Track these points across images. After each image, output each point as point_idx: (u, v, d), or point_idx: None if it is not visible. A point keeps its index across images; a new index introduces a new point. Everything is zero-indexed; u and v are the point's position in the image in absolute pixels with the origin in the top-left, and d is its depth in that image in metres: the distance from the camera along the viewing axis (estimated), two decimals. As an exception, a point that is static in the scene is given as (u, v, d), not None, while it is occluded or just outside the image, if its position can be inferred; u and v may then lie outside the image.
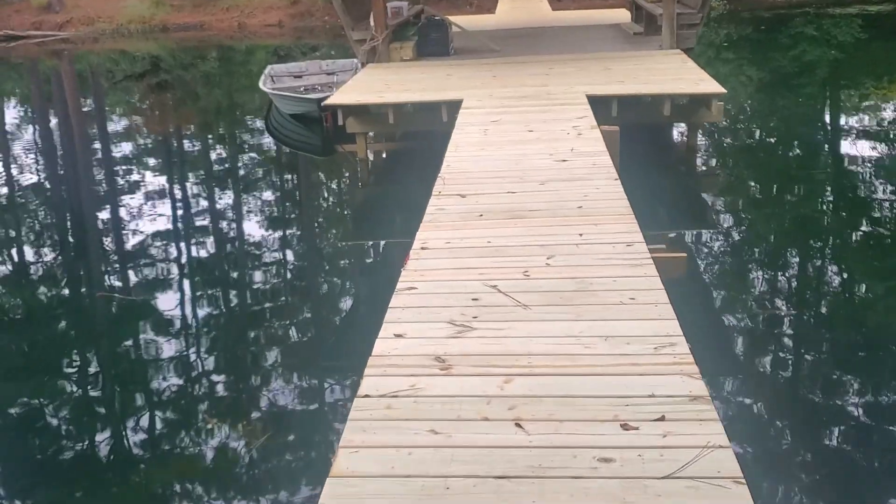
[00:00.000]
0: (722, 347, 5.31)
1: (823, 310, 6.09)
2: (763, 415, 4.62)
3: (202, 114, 15.83)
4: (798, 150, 10.42)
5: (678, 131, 10.39)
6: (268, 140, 12.37)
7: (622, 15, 15.42)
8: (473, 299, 3.60)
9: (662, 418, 2.61)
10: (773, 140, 11.06)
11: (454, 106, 8.51)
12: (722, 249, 7.20)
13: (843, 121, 11.81)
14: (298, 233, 8.57)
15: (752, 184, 9.08)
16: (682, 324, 3.25)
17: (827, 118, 12.38)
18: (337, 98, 8.93)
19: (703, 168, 9.42)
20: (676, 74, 9.24)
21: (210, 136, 13.42)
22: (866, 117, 11.94)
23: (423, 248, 4.30)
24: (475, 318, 3.40)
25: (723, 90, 8.32)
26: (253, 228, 8.65)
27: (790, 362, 5.28)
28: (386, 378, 2.95)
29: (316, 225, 8.87)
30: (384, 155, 10.64)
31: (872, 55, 17.59)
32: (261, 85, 12.87)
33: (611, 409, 2.68)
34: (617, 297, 3.58)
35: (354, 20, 11.38)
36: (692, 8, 10.99)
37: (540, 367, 2.97)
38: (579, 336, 3.19)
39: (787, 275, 6.77)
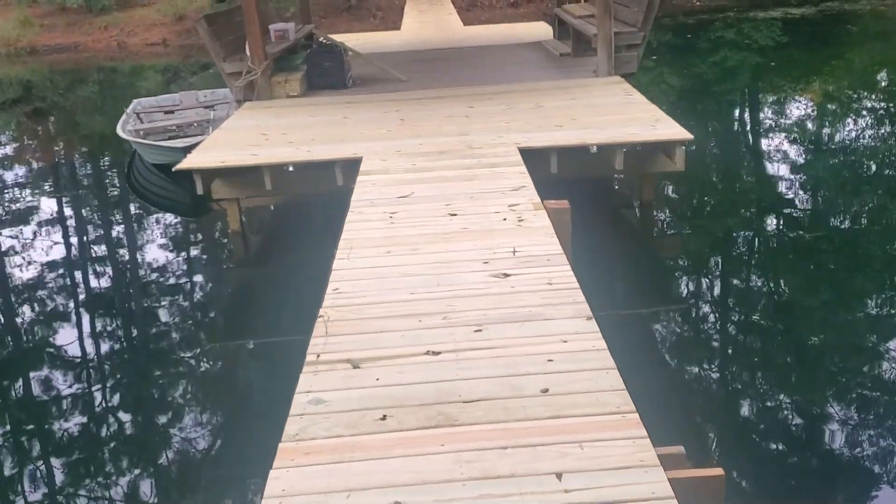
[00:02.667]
0: None
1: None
2: None
3: (74, 146, 13.39)
4: (753, 180, 8.89)
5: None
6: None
7: (542, 30, 13.73)
8: None
9: None
10: (735, 175, 9.44)
11: (351, 166, 6.56)
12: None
13: (782, 135, 10.36)
14: (149, 331, 6.46)
15: (737, 256, 7.26)
16: None
17: (767, 134, 10.93)
18: (195, 159, 6.82)
19: (666, 230, 7.66)
20: (624, 112, 7.50)
21: (68, 188, 10.99)
22: (807, 129, 10.63)
23: (275, 531, 2.33)
24: None
25: (688, 135, 6.62)
26: (87, 322, 6.53)
27: None
28: None
29: (175, 319, 6.74)
30: (272, 208, 8.61)
31: (795, 59, 16.49)
32: (119, 129, 10.52)
33: None
34: None
35: (227, 49, 9.28)
36: (632, 26, 9.31)
37: None
38: None
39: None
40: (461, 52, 11.88)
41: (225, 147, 7.19)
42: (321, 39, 10.19)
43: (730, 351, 5.68)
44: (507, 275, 4.04)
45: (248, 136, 7.54)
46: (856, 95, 12.91)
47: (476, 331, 3.47)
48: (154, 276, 7.51)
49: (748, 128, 11.75)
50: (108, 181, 11.08)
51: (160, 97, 12.57)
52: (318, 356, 3.33)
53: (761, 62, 16.20)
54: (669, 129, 6.76)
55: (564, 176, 6.83)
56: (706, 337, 5.95)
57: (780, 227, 7.62)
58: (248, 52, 9.07)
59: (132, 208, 9.60)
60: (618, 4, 9.27)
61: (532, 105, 8.06)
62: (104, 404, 5.45)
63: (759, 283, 6.58)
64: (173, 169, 6.84)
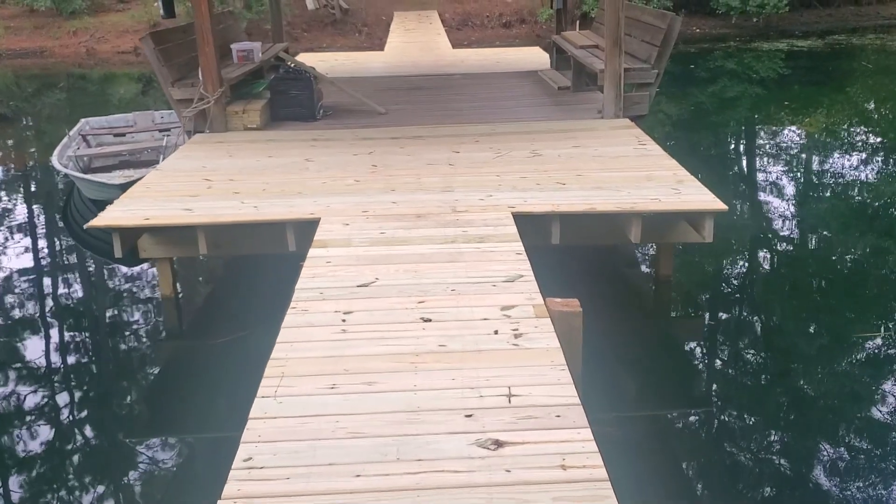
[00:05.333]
0: None
1: None
2: None
3: (19, 161, 12.04)
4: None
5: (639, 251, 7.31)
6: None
7: (538, 57, 12.57)
8: None
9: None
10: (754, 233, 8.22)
11: (306, 228, 5.32)
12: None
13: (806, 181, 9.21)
14: (49, 417, 5.15)
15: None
16: None
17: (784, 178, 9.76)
18: (113, 214, 5.51)
19: (683, 309, 6.42)
20: (638, 167, 6.31)
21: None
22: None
23: None
24: None
25: (722, 206, 5.41)
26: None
27: None
28: None
29: (84, 405, 5.42)
30: (216, 261, 7.32)
31: (797, 92, 15.47)
32: (54, 158, 9.12)
33: None
34: None
35: (178, 71, 8.01)
36: (644, 62, 8.14)
37: None
38: None
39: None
40: (448, 81, 10.66)
41: (157, 196, 5.91)
42: (289, 64, 8.93)
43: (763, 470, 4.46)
44: (499, 443, 2.78)
45: (188, 180, 6.26)
46: (862, 132, 11.86)
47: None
48: (66, 343, 6.19)
49: (759, 172, 10.56)
50: (42, 213, 9.71)
51: (111, 117, 11.24)
52: None
53: (762, 94, 15.25)
54: (698, 196, 5.55)
55: (566, 244, 5.63)
56: (731, 453, 4.72)
57: (809, 295, 6.43)
58: (200, 77, 7.82)
59: (61, 252, 8.25)
60: (628, 36, 8.10)
61: (528, 152, 6.85)
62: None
63: (797, 377, 5.37)
64: (85, 227, 5.56)
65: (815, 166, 10.35)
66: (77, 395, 5.58)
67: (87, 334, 6.36)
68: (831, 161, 10.39)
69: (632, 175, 6.08)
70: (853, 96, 14.95)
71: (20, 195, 10.61)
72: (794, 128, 12.50)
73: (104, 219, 5.44)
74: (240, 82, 8.55)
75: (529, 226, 5.34)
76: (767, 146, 11.46)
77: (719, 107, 14.30)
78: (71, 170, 9.23)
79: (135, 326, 6.40)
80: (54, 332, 6.37)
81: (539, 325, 3.68)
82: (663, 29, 7.91)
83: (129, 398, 5.58)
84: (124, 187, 7.24)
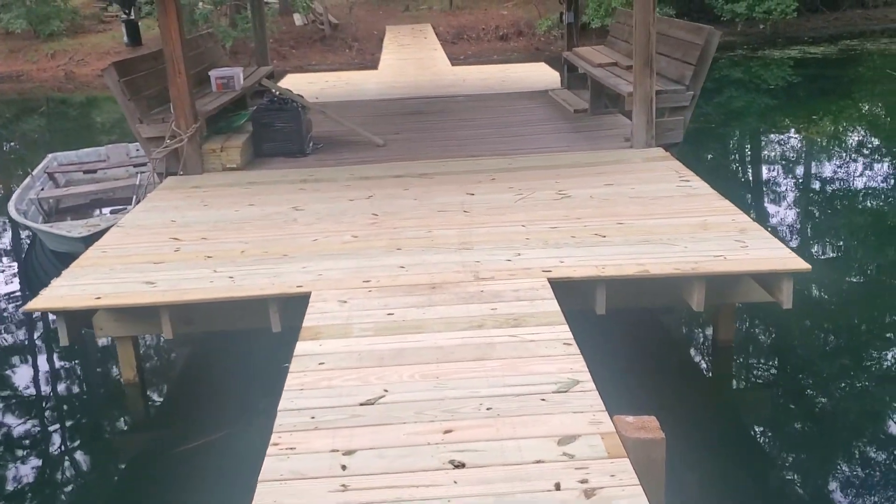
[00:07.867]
0: None
1: None
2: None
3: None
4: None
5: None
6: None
7: (545, 74, 11.61)
8: None
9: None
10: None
11: (293, 305, 4.31)
12: None
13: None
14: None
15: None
16: None
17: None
18: (56, 293, 4.47)
19: (748, 380, 5.38)
20: (688, 210, 5.31)
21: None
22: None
23: None
24: None
25: (804, 265, 4.41)
26: None
27: None
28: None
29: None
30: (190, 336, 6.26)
31: (804, 102, 14.64)
32: (11, 205, 8.00)
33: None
34: None
35: (147, 105, 7.01)
36: (678, 83, 7.16)
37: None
38: None
39: None
40: (451, 103, 9.67)
41: (114, 263, 4.89)
42: (274, 92, 7.92)
43: None
44: None
45: (153, 241, 5.24)
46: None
47: None
48: (9, 436, 5.14)
49: (792, 198, 9.57)
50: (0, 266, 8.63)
51: (81, 151, 10.19)
52: None
53: (777, 105, 14.40)
54: (771, 252, 4.55)
55: (611, 305, 4.61)
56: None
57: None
58: (172, 112, 6.81)
59: (15, 314, 7.17)
60: (658, 54, 7.13)
61: (554, 192, 5.86)
62: None
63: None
64: (21, 310, 4.55)
65: (862, 192, 9.35)
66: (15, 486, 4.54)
67: (38, 426, 5.31)
68: (882, 186, 9.39)
69: (683, 222, 5.08)
70: (884, 107, 14.02)
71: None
72: (828, 146, 11.54)
73: (47, 298, 4.41)
74: (218, 114, 7.55)
75: (567, 290, 4.34)
76: (802, 168, 10.50)
77: (732, 119, 13.40)
78: (32, 214, 8.22)
79: (93, 418, 5.34)
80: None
81: (616, 470, 2.67)
82: (699, 45, 6.94)
83: (79, 489, 4.54)
84: (88, 240, 6.26)
